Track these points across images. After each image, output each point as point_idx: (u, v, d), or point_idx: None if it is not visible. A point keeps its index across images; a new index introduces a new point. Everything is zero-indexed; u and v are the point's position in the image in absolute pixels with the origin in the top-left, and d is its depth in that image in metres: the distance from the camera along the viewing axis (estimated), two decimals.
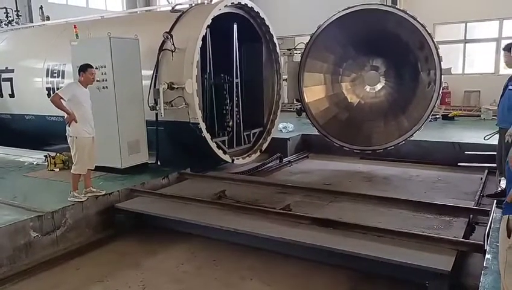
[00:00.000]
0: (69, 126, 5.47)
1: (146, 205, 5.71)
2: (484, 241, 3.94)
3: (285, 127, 10.85)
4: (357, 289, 4.18)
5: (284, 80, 9.45)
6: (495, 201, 4.82)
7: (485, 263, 3.37)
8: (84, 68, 5.58)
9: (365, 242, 4.24)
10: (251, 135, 8.98)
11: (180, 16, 7.45)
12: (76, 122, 5.43)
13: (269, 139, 9.19)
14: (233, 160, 8.09)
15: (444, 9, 14.30)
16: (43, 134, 9.65)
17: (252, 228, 4.81)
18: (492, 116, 11.08)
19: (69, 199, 5.41)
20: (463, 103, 14.40)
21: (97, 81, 6.42)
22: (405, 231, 4.35)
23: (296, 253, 4.64)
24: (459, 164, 8.30)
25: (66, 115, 5.43)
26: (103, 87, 6.46)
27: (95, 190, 5.71)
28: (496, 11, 13.70)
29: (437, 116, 12.46)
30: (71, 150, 5.62)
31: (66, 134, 5.59)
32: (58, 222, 4.98)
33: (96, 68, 6.40)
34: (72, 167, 5.61)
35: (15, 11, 14.33)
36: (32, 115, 9.41)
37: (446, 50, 14.64)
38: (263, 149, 9.08)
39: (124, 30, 7.47)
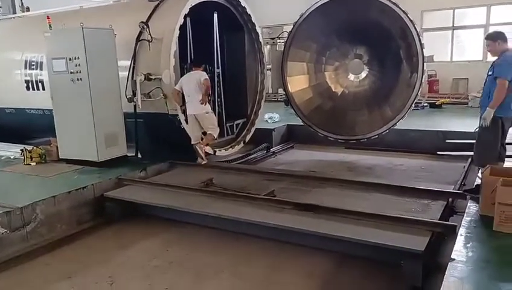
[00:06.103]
0: (205, 105, 6.89)
1: (135, 193, 5.74)
2: (457, 226, 3.91)
3: (271, 118, 10.72)
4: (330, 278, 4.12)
5: (267, 70, 9.32)
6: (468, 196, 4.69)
7: (452, 254, 3.30)
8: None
9: (345, 225, 4.33)
10: (234, 126, 8.88)
11: (158, 5, 7.29)
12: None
13: (253, 130, 9.09)
14: (215, 152, 7.99)
15: None
16: (24, 127, 9.51)
17: (236, 213, 4.86)
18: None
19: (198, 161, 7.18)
20: (451, 90, 14.32)
21: (71, 72, 6.32)
22: (383, 214, 4.40)
23: (278, 237, 4.71)
24: (438, 152, 8.22)
25: (201, 96, 6.84)
26: (77, 79, 6.30)
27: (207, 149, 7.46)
28: None
29: (424, 104, 12.40)
30: (208, 123, 7.12)
31: (202, 112, 6.97)
32: (28, 218, 4.87)
33: (70, 59, 6.30)
34: (214, 135, 7.22)
35: None
36: (12, 108, 9.28)
37: (435, 37, 14.63)
38: (247, 140, 8.97)
39: (100, 20, 7.27)
